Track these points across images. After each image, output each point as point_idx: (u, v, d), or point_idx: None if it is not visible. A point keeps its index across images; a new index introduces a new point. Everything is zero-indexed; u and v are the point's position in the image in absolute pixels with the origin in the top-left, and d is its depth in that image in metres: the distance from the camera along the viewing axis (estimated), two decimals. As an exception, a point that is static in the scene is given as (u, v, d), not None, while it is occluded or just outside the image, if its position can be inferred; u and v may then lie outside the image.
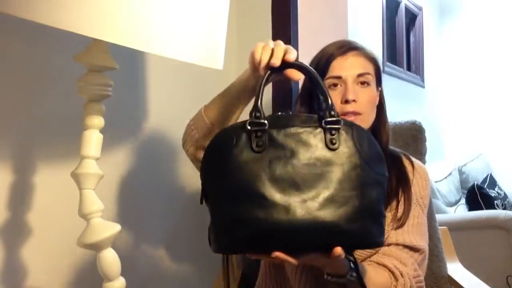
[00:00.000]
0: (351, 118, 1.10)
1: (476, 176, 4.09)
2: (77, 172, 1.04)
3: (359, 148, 0.85)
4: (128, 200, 1.53)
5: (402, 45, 4.46)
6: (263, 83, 0.90)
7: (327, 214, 0.80)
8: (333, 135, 0.85)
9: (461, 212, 3.61)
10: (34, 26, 0.92)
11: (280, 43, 0.94)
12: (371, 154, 0.86)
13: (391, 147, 1.23)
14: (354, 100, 1.11)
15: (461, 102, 5.10)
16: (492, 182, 4.05)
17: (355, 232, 0.82)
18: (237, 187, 0.82)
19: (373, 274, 1.03)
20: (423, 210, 1.19)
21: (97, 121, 1.06)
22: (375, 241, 0.85)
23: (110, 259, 1.07)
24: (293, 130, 0.85)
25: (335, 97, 1.11)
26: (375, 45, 3.69)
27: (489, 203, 3.61)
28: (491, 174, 4.20)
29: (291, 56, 0.92)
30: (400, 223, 1.13)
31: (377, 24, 3.92)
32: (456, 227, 2.41)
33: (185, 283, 1.74)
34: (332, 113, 0.86)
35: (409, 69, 4.60)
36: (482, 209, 3.51)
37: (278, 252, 0.81)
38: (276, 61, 0.91)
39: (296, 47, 1.93)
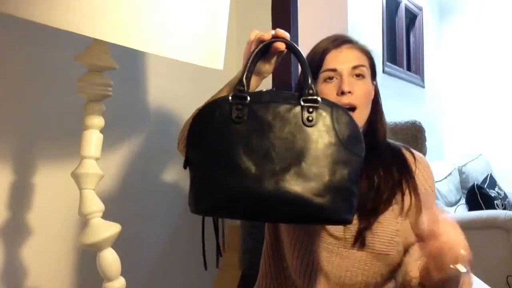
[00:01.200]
0: None
1: (476, 176, 4.09)
2: (77, 172, 1.04)
3: (336, 126, 0.88)
4: (128, 200, 1.53)
5: (402, 45, 4.46)
6: (252, 57, 0.95)
7: (295, 187, 0.84)
8: (310, 112, 0.88)
9: (461, 212, 3.61)
10: (34, 26, 0.92)
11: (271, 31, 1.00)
12: (348, 134, 0.89)
13: (391, 141, 1.23)
14: (349, 92, 1.11)
15: (461, 102, 5.10)
16: (492, 182, 4.05)
17: (321, 206, 0.85)
18: (215, 154, 0.87)
19: (453, 231, 0.98)
20: (434, 197, 1.20)
21: (97, 121, 1.06)
22: (342, 217, 0.88)
23: (110, 259, 1.07)
24: (273, 105, 0.89)
25: (330, 90, 1.12)
26: (375, 45, 3.70)
27: (489, 203, 3.61)
28: (491, 174, 4.20)
29: (280, 33, 0.98)
30: (418, 212, 1.12)
31: (377, 24, 3.92)
32: (456, 227, 2.41)
33: (185, 283, 1.74)
34: (311, 91, 0.90)
35: (409, 69, 4.59)
36: (482, 209, 3.51)
37: None
38: (266, 35, 0.97)
39: (296, 47, 1.93)
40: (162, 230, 1.67)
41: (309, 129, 0.87)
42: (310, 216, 0.86)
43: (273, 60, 1.04)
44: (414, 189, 1.15)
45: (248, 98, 0.89)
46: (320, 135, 0.87)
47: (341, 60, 1.14)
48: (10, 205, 1.20)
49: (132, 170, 1.54)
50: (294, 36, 1.93)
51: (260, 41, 0.98)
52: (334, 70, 1.13)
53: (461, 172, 4.01)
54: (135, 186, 1.56)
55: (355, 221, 1.11)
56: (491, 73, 4.90)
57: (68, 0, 0.87)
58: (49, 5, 0.86)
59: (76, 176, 1.04)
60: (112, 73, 1.07)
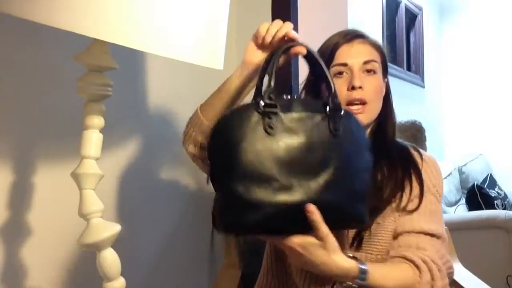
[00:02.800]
0: (357, 108, 1.09)
1: (476, 176, 4.08)
2: (77, 172, 1.04)
3: (356, 135, 0.93)
4: (128, 200, 1.53)
5: (402, 45, 4.46)
6: (274, 61, 0.93)
7: (328, 196, 0.87)
8: (336, 122, 0.90)
9: (461, 212, 3.61)
10: (34, 26, 0.92)
11: (280, 22, 1.02)
12: (365, 141, 0.94)
13: (400, 140, 1.21)
14: (360, 87, 1.09)
15: (461, 102, 5.09)
16: (492, 182, 4.05)
17: (352, 212, 0.91)
18: (244, 168, 0.84)
19: (392, 270, 1.00)
20: (437, 198, 1.15)
21: (97, 121, 1.06)
22: (365, 220, 0.95)
23: (110, 259, 1.06)
24: (298, 115, 0.88)
25: (340, 84, 1.10)
26: (375, 45, 3.68)
27: (489, 203, 3.61)
28: (491, 174, 4.20)
29: (292, 34, 1.00)
30: (410, 210, 1.10)
31: (377, 24, 3.92)
32: (456, 227, 2.41)
33: (185, 283, 1.74)
34: (336, 101, 0.92)
35: (409, 69, 4.59)
36: (482, 209, 3.51)
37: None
38: (284, 32, 0.99)
39: (296, 47, 1.93)
40: (162, 230, 1.67)
41: (335, 139, 0.90)
42: (343, 222, 0.92)
43: (283, 60, 1.04)
44: (420, 185, 1.12)
45: (278, 108, 0.87)
46: (344, 143, 0.90)
47: (352, 55, 1.11)
48: (10, 205, 1.20)
49: (132, 170, 1.54)
50: (294, 36, 1.94)
51: (281, 39, 0.99)
52: (345, 64, 1.11)
53: (461, 172, 4.01)
54: (135, 186, 1.56)
55: None
56: (491, 73, 4.90)
57: (68, 1, 0.87)
58: (49, 5, 0.86)
59: (76, 176, 1.04)
60: (112, 73, 1.07)
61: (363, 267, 0.93)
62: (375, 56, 1.14)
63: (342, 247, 0.97)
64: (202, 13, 1.03)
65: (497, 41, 4.89)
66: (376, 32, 3.86)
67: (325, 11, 2.15)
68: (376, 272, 0.96)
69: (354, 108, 1.09)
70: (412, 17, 4.72)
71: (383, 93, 1.16)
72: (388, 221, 1.10)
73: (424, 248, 1.04)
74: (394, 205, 1.11)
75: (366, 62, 1.12)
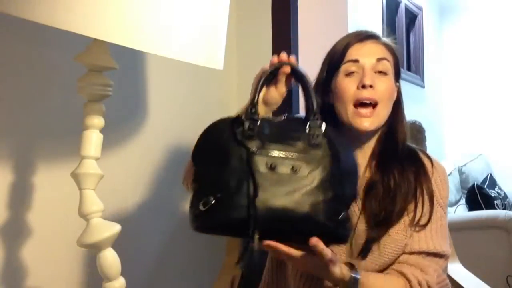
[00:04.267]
0: (366, 112, 1.06)
1: (476, 176, 4.09)
2: (77, 172, 1.04)
3: (336, 149, 0.91)
4: (128, 200, 1.53)
5: (402, 45, 4.46)
6: (261, 81, 0.95)
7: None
8: (314, 138, 0.91)
9: (461, 212, 3.61)
10: (34, 26, 0.92)
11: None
12: (345, 158, 0.92)
13: (408, 144, 1.16)
14: (371, 86, 1.05)
15: (461, 102, 5.09)
16: (492, 182, 4.05)
17: (325, 225, 0.88)
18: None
19: (385, 283, 1.03)
20: (445, 210, 1.15)
21: (97, 121, 1.06)
22: (341, 235, 0.91)
23: (110, 259, 1.06)
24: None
25: (350, 83, 1.07)
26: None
27: (489, 203, 3.61)
28: (491, 174, 4.20)
29: (284, 56, 0.99)
30: (421, 225, 1.09)
31: (377, 24, 3.92)
32: (456, 227, 2.41)
33: (185, 283, 1.74)
34: (316, 116, 0.92)
35: (409, 69, 4.59)
36: (482, 209, 3.51)
37: (269, 241, 0.88)
38: (275, 59, 0.98)
39: (296, 47, 1.93)
40: (162, 230, 1.67)
41: (313, 152, 0.90)
42: (314, 233, 0.88)
43: (282, 86, 1.01)
44: (431, 200, 1.11)
45: (259, 121, 0.90)
46: (323, 158, 0.90)
47: (364, 53, 1.08)
48: (10, 205, 1.20)
49: (132, 170, 1.54)
50: (294, 36, 1.93)
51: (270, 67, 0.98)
52: (356, 61, 1.07)
53: (461, 172, 4.01)
54: (135, 186, 1.56)
55: (364, 230, 1.08)
56: (491, 73, 4.90)
57: (68, 1, 0.87)
58: (49, 5, 0.86)
59: (76, 176, 1.04)
60: (112, 73, 1.07)
61: (355, 276, 0.98)
62: (388, 56, 1.10)
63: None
64: (202, 13, 1.03)
65: (497, 41, 4.90)
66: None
67: (325, 11, 2.15)
68: (370, 282, 1.00)
69: (362, 111, 1.06)
70: (412, 17, 4.72)
71: (394, 98, 1.12)
72: (400, 236, 1.08)
73: (426, 271, 1.06)
74: (407, 218, 1.09)
75: (378, 60, 1.08)
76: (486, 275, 1.74)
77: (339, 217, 0.89)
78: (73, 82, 1.05)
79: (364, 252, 1.07)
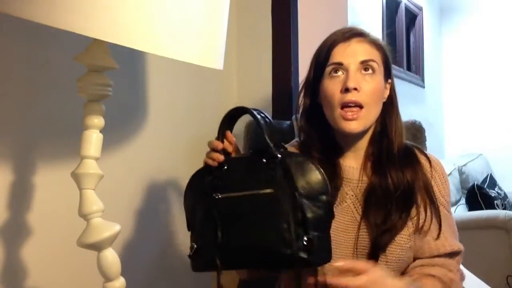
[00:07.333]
0: (352, 113, 1.03)
1: (476, 176, 4.08)
2: (77, 172, 1.04)
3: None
4: (128, 200, 1.53)
5: (402, 45, 4.46)
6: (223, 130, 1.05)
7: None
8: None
9: (461, 212, 3.61)
10: (34, 26, 0.92)
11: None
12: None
13: (406, 142, 1.14)
14: (355, 89, 1.03)
15: (461, 102, 5.09)
16: (492, 182, 4.05)
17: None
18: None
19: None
20: (448, 209, 1.13)
21: (97, 121, 1.06)
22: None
23: (110, 259, 1.06)
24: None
25: (335, 86, 1.05)
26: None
27: (489, 203, 3.61)
28: (491, 174, 4.20)
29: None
30: (425, 231, 1.09)
31: (377, 24, 3.92)
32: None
33: (185, 283, 1.74)
34: (273, 149, 0.96)
35: (409, 69, 4.59)
36: (482, 209, 3.51)
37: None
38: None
39: (296, 47, 1.94)
40: (162, 230, 1.67)
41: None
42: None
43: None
44: (433, 204, 1.09)
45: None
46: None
47: (348, 54, 1.06)
48: (10, 205, 1.20)
49: (132, 170, 1.54)
50: (294, 36, 1.93)
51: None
52: (340, 64, 1.05)
53: (461, 172, 4.01)
54: (135, 186, 1.56)
55: (367, 238, 1.07)
56: (491, 73, 4.90)
57: (68, 1, 0.87)
58: (49, 5, 0.86)
59: (76, 176, 1.04)
60: (112, 73, 1.07)
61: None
62: (375, 55, 1.08)
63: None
64: (202, 13, 1.03)
65: (497, 41, 4.90)
66: (376, 32, 3.86)
67: (325, 11, 2.15)
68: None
69: (348, 114, 1.04)
70: (412, 17, 4.72)
71: (383, 97, 1.10)
72: (404, 240, 1.07)
73: (451, 270, 1.09)
74: (410, 223, 1.08)
75: (363, 62, 1.06)
76: (486, 275, 1.74)
77: (303, 242, 0.91)
78: (73, 82, 1.05)
79: (371, 260, 1.05)
